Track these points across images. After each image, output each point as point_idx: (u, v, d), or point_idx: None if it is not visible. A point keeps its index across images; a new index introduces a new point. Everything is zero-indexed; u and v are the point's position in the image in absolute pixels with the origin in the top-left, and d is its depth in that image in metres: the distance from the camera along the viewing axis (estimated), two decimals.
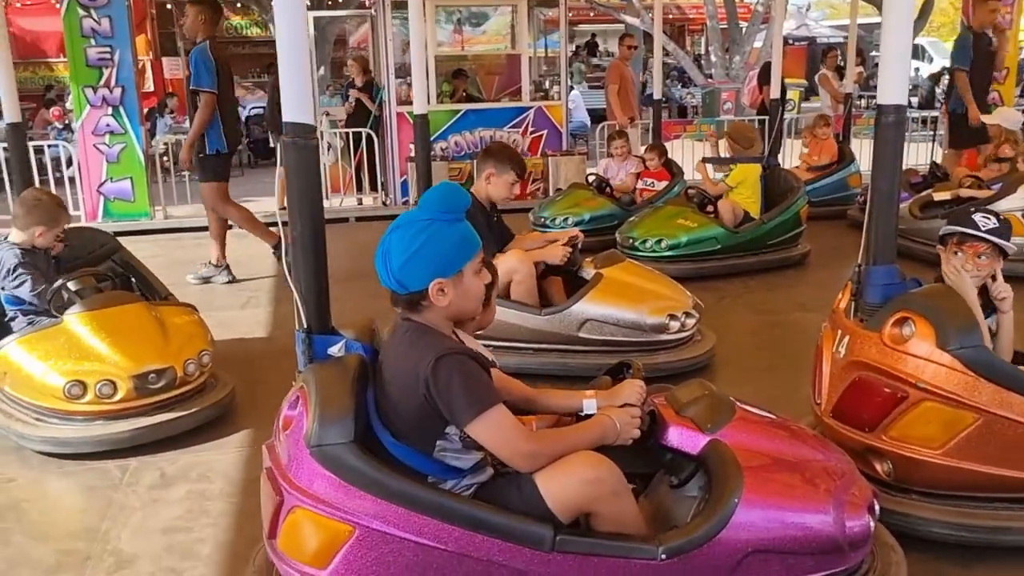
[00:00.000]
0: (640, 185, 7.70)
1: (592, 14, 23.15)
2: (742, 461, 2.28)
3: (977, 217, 2.97)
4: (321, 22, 13.96)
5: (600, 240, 6.43)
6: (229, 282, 6.57)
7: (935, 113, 12.10)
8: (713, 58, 18.02)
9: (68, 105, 12.57)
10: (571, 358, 4.31)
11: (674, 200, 6.88)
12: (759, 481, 2.25)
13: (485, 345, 4.15)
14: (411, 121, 7.24)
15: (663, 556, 2.13)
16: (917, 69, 21.85)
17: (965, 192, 6.63)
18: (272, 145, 11.01)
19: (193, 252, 7.41)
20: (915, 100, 18.44)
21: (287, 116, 2.27)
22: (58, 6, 8.51)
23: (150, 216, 8.94)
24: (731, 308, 5.74)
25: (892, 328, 2.85)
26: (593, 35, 26.08)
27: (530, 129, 9.88)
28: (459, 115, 9.68)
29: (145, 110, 11.57)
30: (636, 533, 2.21)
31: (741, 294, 6.05)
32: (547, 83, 13.18)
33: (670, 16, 24.35)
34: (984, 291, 2.97)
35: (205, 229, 6.92)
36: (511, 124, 9.85)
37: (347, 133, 9.81)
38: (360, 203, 9.96)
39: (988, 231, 2.92)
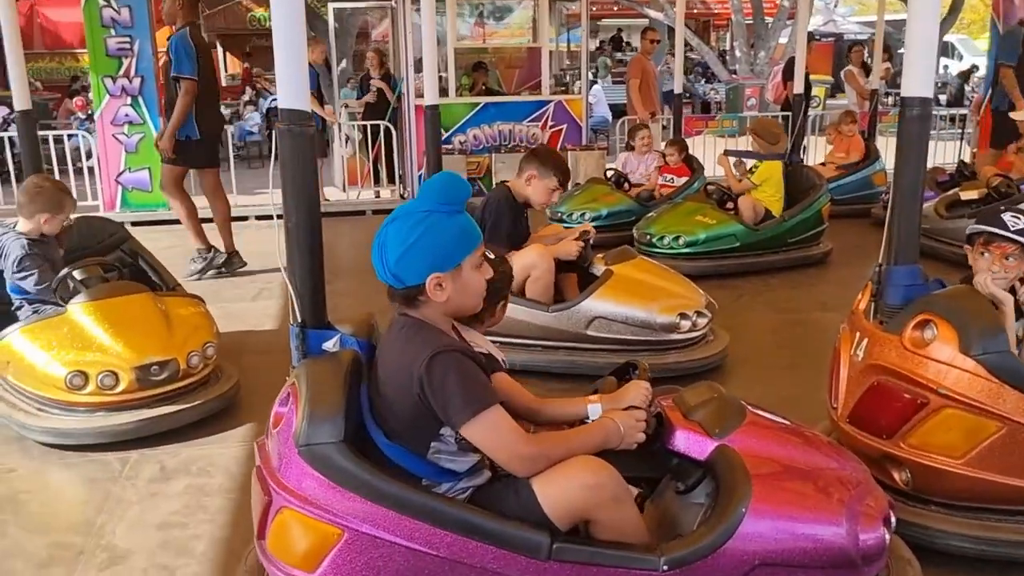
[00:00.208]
0: (660, 181, 7.57)
1: (616, 8, 22.97)
2: (751, 468, 2.18)
3: (1006, 216, 2.83)
4: (343, 14, 13.90)
5: (617, 236, 6.29)
6: (221, 268, 6.49)
7: (963, 111, 11.89)
8: (738, 53, 17.83)
9: (91, 95, 12.62)
10: (579, 356, 4.21)
11: (693, 196, 6.75)
12: (768, 489, 2.15)
13: (491, 342, 4.10)
14: None
15: (665, 567, 2.03)
16: (946, 66, 21.53)
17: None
18: None
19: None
20: (943, 98, 18.14)
21: (282, 102, 2.19)
22: None
23: (168, 207, 8.91)
24: (750, 306, 5.62)
25: (913, 331, 2.73)
26: (619, 30, 25.87)
27: (549, 123, 9.78)
28: (478, 108, 9.60)
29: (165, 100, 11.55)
30: (637, 542, 2.11)
31: (760, 292, 5.92)
32: (568, 77, 13.07)
33: (695, 11, 24.13)
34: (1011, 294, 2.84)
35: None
36: (531, 118, 9.75)
37: (365, 125, 9.76)
38: (377, 196, 9.93)
39: (1018, 231, 2.78)
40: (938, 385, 2.63)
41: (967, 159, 8.97)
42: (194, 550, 2.83)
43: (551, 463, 2.07)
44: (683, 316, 4.22)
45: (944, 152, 10.69)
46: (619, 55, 22.73)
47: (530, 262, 4.21)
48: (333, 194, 9.83)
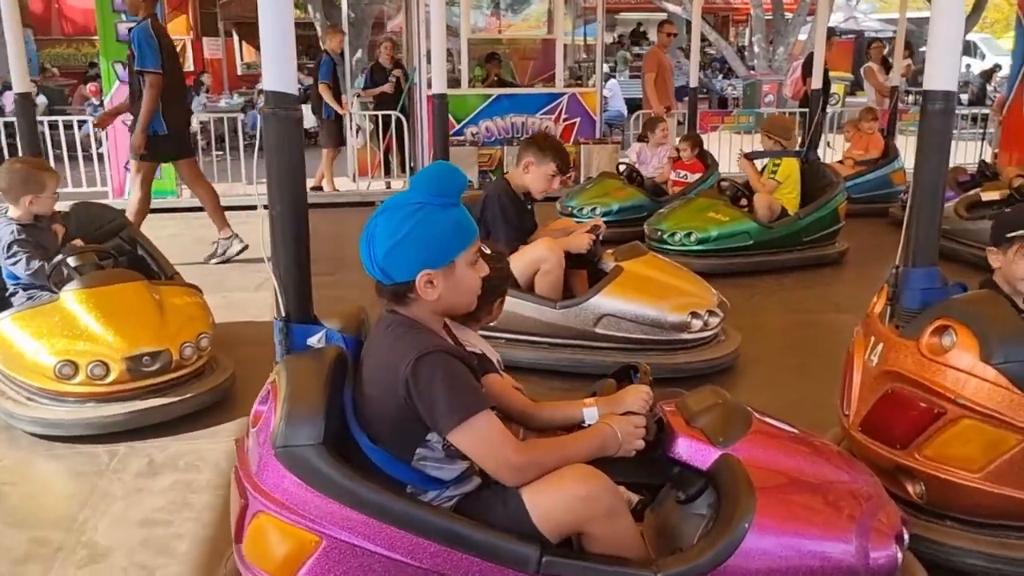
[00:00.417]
0: (673, 176, 7.43)
1: (635, 2, 22.73)
2: (756, 480, 2.05)
3: None
4: (359, 4, 13.78)
5: (628, 232, 6.15)
6: (244, 249, 6.48)
7: (985, 110, 11.68)
8: (756, 49, 17.56)
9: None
10: (586, 354, 4.09)
11: (706, 192, 6.61)
12: (774, 503, 2.02)
13: (496, 338, 3.98)
14: None
15: None
16: (968, 65, 21.22)
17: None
18: (313, 130, 10.78)
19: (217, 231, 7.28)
20: (965, 97, 17.86)
21: (267, 84, 2.07)
22: None
23: (176, 194, 8.84)
24: (762, 306, 5.48)
25: (931, 337, 2.59)
26: (639, 24, 25.62)
27: (563, 116, 9.65)
28: (491, 100, 9.48)
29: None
30: (633, 556, 1.99)
31: (774, 291, 5.78)
32: (582, 70, 12.91)
33: (714, 5, 23.85)
34: None
35: (230, 209, 6.81)
36: (544, 110, 9.62)
37: (376, 116, 9.65)
38: (388, 187, 9.83)
39: None
40: (956, 394, 2.49)
41: (988, 159, 8.78)
42: (176, 549, 2.74)
43: (544, 472, 1.95)
44: (695, 315, 4.10)
45: (965, 152, 10.48)
46: (637, 49, 22.52)
47: (540, 256, 4.08)
48: (344, 184, 9.74)
